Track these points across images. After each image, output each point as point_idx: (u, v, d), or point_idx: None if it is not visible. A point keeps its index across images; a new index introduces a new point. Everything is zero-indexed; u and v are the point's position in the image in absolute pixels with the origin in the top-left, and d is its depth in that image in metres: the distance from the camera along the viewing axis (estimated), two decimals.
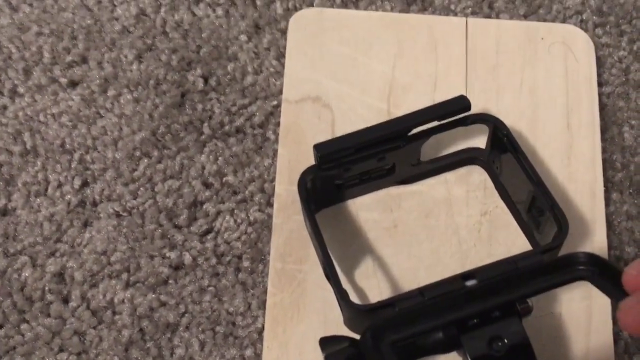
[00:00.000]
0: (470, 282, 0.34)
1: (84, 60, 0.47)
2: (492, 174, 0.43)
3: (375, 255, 0.41)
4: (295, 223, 0.42)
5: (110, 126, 0.45)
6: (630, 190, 0.44)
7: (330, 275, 0.36)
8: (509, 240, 0.42)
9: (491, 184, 0.43)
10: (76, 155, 0.44)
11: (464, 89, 0.46)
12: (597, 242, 0.42)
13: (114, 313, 0.41)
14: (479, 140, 0.43)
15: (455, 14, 0.49)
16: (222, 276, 0.42)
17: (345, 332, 0.36)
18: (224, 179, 0.44)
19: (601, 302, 0.40)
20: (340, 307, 0.36)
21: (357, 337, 0.32)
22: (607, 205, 0.43)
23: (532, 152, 0.44)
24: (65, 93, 0.46)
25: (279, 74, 0.46)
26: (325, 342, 0.31)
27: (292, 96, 0.45)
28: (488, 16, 0.49)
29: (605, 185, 0.44)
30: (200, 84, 0.46)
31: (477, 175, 0.43)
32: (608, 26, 0.49)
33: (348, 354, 0.31)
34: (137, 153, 0.44)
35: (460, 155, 0.43)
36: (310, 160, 0.39)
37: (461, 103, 0.39)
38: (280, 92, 0.46)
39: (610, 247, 0.42)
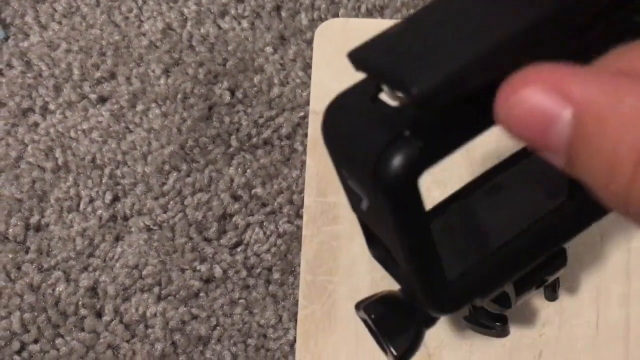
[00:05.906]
0: None
1: (113, 76, 0.47)
2: None
3: None
4: (325, 234, 0.41)
5: (140, 141, 0.45)
6: None
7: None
8: None
9: None
10: (107, 171, 0.45)
11: None
12: None
13: (147, 327, 0.41)
14: None
15: None
16: (252, 289, 0.42)
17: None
18: (253, 191, 0.44)
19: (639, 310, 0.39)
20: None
21: None
22: None
23: None
24: (95, 109, 0.46)
25: (306, 85, 0.46)
26: (360, 303, 0.28)
27: (319, 107, 0.45)
28: None
29: None
30: (227, 96, 0.46)
31: None
32: None
33: (385, 299, 0.27)
34: (166, 167, 0.45)
35: None
36: None
37: None
38: (307, 103, 0.46)
39: None
